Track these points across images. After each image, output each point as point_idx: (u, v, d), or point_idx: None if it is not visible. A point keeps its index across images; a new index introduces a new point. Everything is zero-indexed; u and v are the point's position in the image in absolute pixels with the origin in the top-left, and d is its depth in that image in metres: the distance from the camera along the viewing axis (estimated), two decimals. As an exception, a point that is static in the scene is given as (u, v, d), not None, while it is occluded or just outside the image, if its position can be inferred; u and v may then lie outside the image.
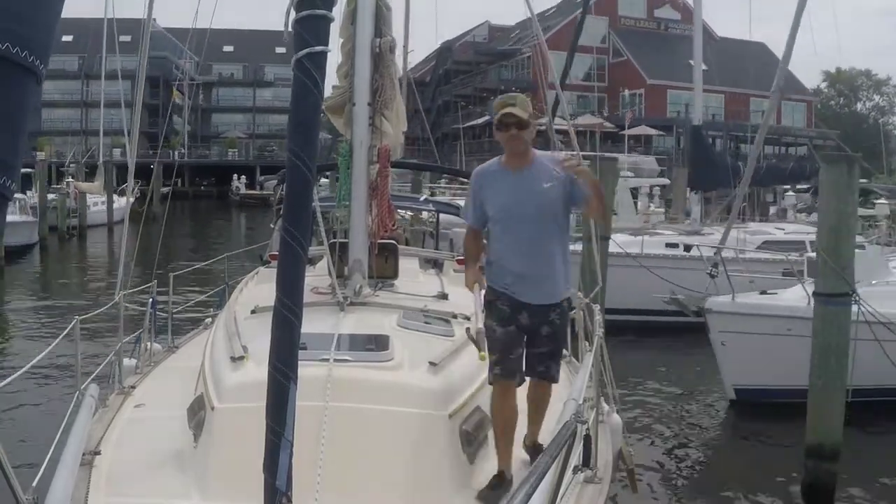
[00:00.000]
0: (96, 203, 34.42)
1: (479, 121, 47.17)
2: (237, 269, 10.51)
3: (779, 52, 12.42)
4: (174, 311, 7.10)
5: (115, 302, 5.96)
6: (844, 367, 7.03)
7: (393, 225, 5.24)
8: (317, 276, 5.19)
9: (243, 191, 58.09)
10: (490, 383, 3.85)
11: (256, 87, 73.85)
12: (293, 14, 2.39)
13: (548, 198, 3.87)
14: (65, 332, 4.90)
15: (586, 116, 42.97)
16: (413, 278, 5.82)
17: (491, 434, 3.82)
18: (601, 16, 55.92)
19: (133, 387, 5.03)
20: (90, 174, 37.10)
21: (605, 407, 4.61)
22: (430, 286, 5.62)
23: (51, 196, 29.46)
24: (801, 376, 7.57)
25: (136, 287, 6.79)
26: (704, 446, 8.82)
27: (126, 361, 5.41)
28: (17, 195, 25.83)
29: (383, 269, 5.24)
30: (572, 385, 4.31)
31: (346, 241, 5.08)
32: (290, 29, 2.41)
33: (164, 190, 42.52)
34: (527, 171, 3.90)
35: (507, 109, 3.86)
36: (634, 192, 22.14)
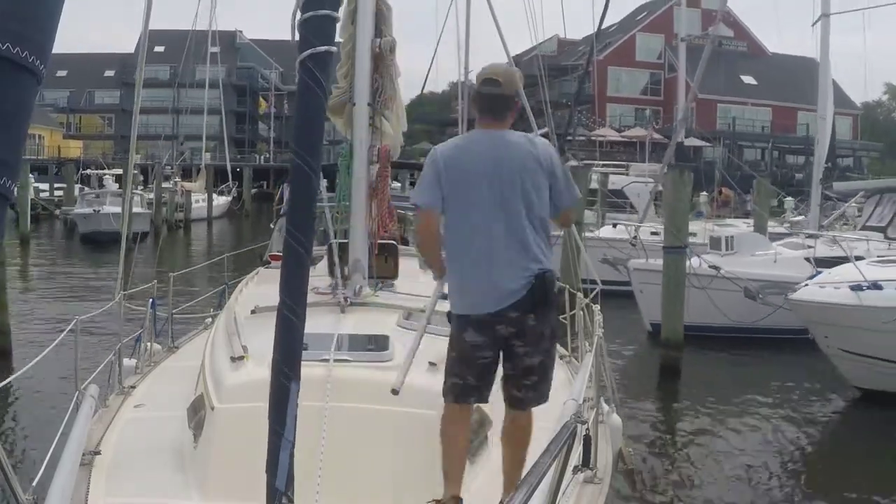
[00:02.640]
0: (198, 200, 39.96)
1: (540, 131, 48.90)
2: (237, 269, 10.52)
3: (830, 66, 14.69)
4: (174, 311, 7.10)
5: (116, 302, 5.95)
6: (681, 294, 11.42)
7: (393, 225, 5.23)
8: (317, 276, 5.19)
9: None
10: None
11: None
12: (299, 15, 2.38)
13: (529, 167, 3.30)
14: (64, 332, 4.90)
15: (635, 129, 47.67)
16: (413, 278, 5.82)
17: (490, 433, 3.82)
18: (657, 33, 59.25)
19: (133, 387, 5.02)
20: (184, 175, 42.52)
21: (605, 407, 4.61)
22: (430, 286, 5.61)
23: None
24: (694, 315, 11.81)
25: (137, 287, 6.79)
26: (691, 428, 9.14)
27: (126, 361, 5.41)
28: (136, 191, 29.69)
29: (383, 269, 5.24)
30: (572, 385, 4.31)
31: (346, 241, 5.08)
32: (297, 32, 2.40)
33: (253, 191, 49.87)
34: (507, 135, 3.39)
35: (490, 76, 3.40)
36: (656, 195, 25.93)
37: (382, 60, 5.12)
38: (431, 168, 3.35)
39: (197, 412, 3.78)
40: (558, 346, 6.68)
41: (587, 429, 3.41)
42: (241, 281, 6.73)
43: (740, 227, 18.24)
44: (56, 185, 41.73)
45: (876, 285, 9.52)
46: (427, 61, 52.29)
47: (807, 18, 18.38)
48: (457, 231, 3.32)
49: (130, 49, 68.66)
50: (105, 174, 33.70)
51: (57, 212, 36.68)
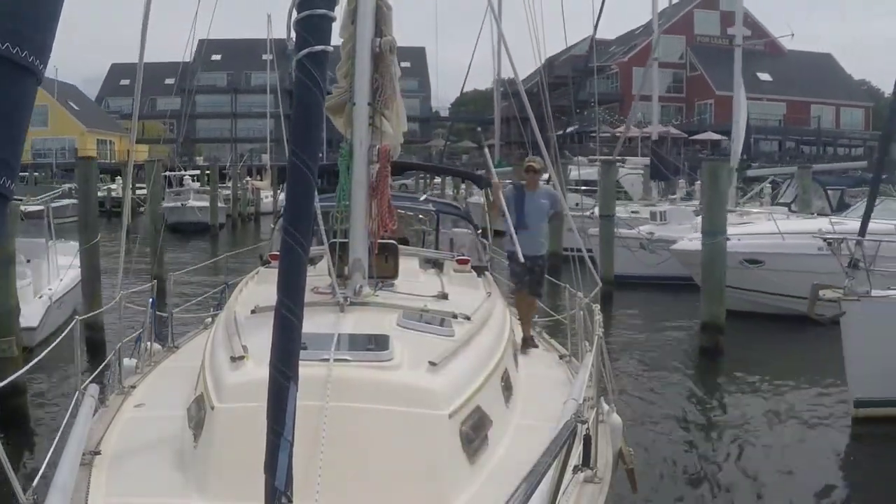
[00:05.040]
0: (266, 196, 45.07)
1: (570, 129, 52.56)
2: (237, 269, 10.53)
3: (844, 62, 19.87)
4: (174, 311, 7.09)
5: (115, 302, 5.95)
6: (611, 246, 17.20)
7: (393, 225, 5.23)
8: (317, 276, 5.19)
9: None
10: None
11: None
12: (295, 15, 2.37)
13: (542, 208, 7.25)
14: (64, 333, 4.91)
15: (655, 126, 51.03)
16: (413, 278, 5.82)
17: (490, 432, 3.85)
18: (679, 35, 63.06)
19: (133, 387, 5.02)
20: (247, 175, 48.10)
21: (605, 407, 4.60)
22: (430, 286, 5.62)
23: (226, 192, 40.80)
24: (638, 267, 17.27)
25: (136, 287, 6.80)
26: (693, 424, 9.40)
27: (126, 361, 5.40)
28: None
29: (383, 269, 5.24)
30: (572, 385, 4.30)
31: (346, 241, 5.08)
32: (292, 31, 2.39)
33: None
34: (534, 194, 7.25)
35: (531, 164, 7.35)
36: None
37: (382, 60, 5.12)
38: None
39: (197, 412, 3.78)
40: (558, 346, 6.77)
41: (587, 428, 3.41)
42: (241, 281, 6.73)
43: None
44: (136, 185, 47.68)
45: (728, 238, 13.48)
46: (477, 60, 54.11)
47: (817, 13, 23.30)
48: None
49: (189, 58, 72.76)
50: (184, 175, 39.30)
51: (141, 208, 39.78)
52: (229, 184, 42.15)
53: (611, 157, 20.65)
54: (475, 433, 3.71)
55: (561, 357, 6.40)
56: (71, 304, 13.28)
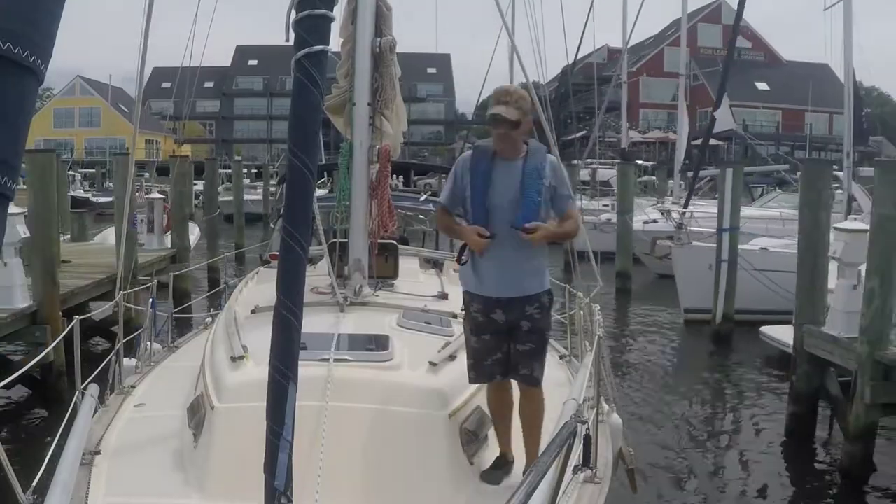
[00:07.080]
0: None
1: (578, 135, 54.40)
2: (237, 269, 10.54)
3: (841, 72, 19.09)
4: (174, 311, 7.08)
5: (115, 302, 5.95)
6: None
7: (394, 225, 5.23)
8: (317, 276, 5.19)
9: (400, 188, 73.24)
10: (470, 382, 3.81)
11: (411, 103, 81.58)
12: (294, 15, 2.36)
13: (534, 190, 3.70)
14: (64, 333, 4.90)
15: (655, 132, 58.76)
16: (413, 278, 5.81)
17: (491, 433, 3.84)
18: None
19: (133, 387, 5.02)
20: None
21: (605, 407, 4.60)
22: (430, 286, 5.62)
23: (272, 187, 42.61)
24: (596, 245, 16.37)
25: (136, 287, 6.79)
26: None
27: (126, 361, 5.40)
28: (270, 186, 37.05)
29: (383, 269, 5.24)
30: (572, 385, 4.30)
31: (346, 241, 5.08)
32: (291, 31, 2.38)
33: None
34: (518, 161, 3.73)
35: (498, 109, 3.64)
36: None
37: (382, 60, 5.12)
38: None
39: (197, 412, 3.78)
40: (558, 347, 6.73)
41: (587, 428, 3.41)
42: (241, 281, 6.72)
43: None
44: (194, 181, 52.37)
45: (654, 221, 19.73)
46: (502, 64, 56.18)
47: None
48: None
49: (227, 62, 79.20)
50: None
51: (196, 201, 42.21)
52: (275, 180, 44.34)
53: (576, 161, 27.41)
54: (475, 433, 3.71)
55: (561, 357, 6.40)
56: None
